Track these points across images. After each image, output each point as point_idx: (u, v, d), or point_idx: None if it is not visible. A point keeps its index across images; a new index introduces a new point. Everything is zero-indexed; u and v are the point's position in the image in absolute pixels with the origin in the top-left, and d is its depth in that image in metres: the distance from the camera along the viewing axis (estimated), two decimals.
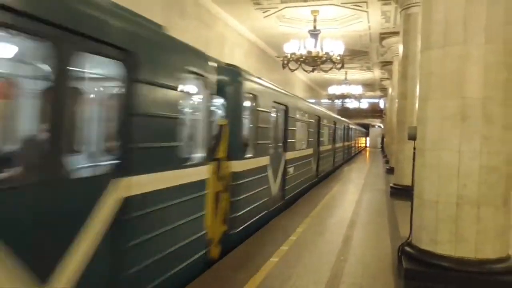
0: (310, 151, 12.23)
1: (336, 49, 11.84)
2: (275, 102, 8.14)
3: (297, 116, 10.35)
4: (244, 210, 6.42)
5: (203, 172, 4.71)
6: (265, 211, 7.57)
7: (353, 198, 10.85)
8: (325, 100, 31.75)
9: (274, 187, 8.26)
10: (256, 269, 4.96)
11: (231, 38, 13.82)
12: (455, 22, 4.38)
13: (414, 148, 5.02)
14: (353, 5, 11.97)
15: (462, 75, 4.35)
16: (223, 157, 5.74)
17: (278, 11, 12.78)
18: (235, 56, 13.92)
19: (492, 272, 4.24)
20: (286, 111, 9.13)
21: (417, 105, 5.12)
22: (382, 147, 40.46)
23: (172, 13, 9.76)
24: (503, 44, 4.28)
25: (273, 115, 8.25)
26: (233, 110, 6.07)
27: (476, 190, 4.29)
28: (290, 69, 12.59)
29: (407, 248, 4.90)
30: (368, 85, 29.90)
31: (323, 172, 15.27)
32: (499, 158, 4.31)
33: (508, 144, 4.37)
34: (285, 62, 12.14)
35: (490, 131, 4.28)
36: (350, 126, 28.89)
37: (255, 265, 5.08)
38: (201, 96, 4.87)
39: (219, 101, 5.95)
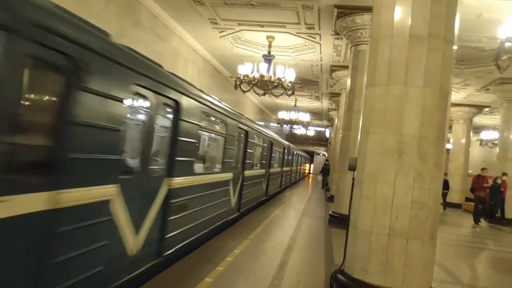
0: (262, 171, 13.54)
1: (288, 75, 12.12)
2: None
3: (256, 140, 12.24)
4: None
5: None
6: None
7: (293, 223, 10.98)
8: (274, 124, 32.25)
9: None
10: None
11: (185, 53, 13.76)
12: (398, 64, 4.65)
13: (353, 179, 5.19)
14: (308, 35, 12.38)
15: (401, 113, 4.60)
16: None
17: (234, 32, 12.93)
18: (189, 72, 13.85)
19: None
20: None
21: (359, 137, 5.33)
22: None
23: (127, 23, 9.59)
24: (439, 89, 4.60)
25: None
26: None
27: (407, 223, 4.50)
28: (242, 90, 12.70)
29: (340, 276, 5.00)
30: (316, 114, 30.79)
31: (272, 192, 16.39)
32: (430, 194, 4.56)
33: (437, 181, 4.66)
34: (238, 83, 12.20)
35: (423, 168, 4.53)
36: (297, 152, 29.58)
37: (189, 286, 4.97)
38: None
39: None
